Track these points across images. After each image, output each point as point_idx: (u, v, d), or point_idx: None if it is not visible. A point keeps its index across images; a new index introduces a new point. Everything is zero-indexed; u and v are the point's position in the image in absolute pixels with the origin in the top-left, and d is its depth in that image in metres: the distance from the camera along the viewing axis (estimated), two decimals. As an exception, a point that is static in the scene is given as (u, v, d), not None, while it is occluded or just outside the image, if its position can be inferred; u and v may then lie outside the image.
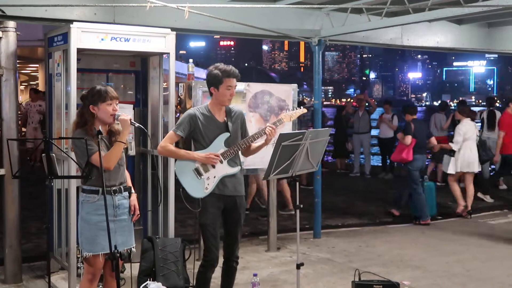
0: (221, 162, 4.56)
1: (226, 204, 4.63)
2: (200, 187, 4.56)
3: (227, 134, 4.60)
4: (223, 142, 4.59)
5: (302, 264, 4.86)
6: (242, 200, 4.73)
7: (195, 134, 4.61)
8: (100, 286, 4.76)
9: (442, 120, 13.17)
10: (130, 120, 4.25)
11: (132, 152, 4.71)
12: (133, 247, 4.44)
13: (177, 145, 4.78)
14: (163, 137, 5.82)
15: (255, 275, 5.36)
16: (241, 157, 4.79)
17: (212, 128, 4.59)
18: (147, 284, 4.92)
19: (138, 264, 5.51)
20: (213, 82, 4.58)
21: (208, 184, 4.56)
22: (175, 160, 4.71)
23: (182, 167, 4.60)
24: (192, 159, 4.56)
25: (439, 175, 12.82)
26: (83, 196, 4.31)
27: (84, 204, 4.30)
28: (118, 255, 3.97)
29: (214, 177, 4.56)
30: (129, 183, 4.49)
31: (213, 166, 4.55)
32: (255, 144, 4.73)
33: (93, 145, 4.12)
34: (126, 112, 5.89)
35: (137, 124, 4.34)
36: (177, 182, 4.71)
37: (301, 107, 4.96)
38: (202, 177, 4.55)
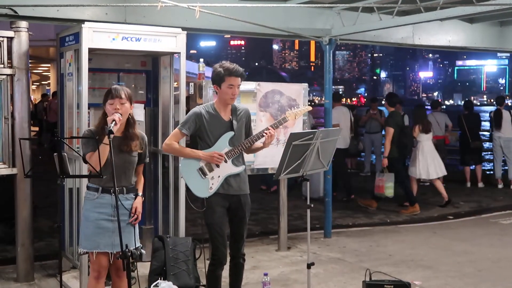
0: (225, 161, 4.55)
1: (231, 203, 4.63)
2: (204, 187, 4.56)
3: (231, 133, 4.59)
4: (228, 141, 4.58)
5: (312, 264, 4.86)
6: (247, 198, 4.73)
7: (200, 132, 4.60)
8: (110, 285, 4.78)
9: (446, 119, 13.05)
10: (113, 120, 4.12)
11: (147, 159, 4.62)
12: (136, 248, 4.38)
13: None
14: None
15: (265, 274, 5.37)
16: (250, 156, 4.79)
17: (217, 127, 4.59)
18: (158, 283, 4.94)
19: (149, 263, 5.54)
20: (216, 80, 4.58)
21: (212, 184, 4.55)
22: (180, 159, 4.70)
23: (187, 166, 4.60)
24: (196, 157, 4.55)
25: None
26: (86, 192, 4.39)
27: (85, 201, 4.38)
28: (129, 254, 3.99)
29: (219, 176, 4.56)
30: (138, 186, 4.47)
31: (217, 166, 4.54)
32: (257, 144, 4.71)
33: (91, 144, 4.14)
34: (137, 112, 5.96)
35: (109, 128, 4.07)
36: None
37: (306, 104, 4.94)
38: (206, 176, 4.55)
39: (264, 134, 4.54)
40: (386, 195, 9.58)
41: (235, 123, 4.62)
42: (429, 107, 14.24)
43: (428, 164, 10.05)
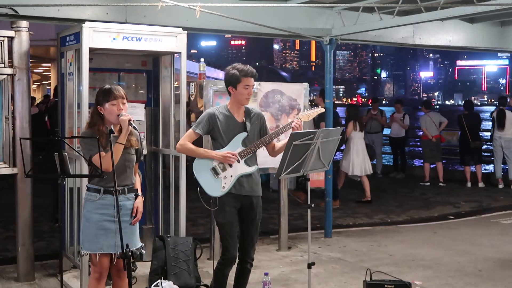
0: (238, 161, 4.57)
1: (242, 204, 4.64)
2: (217, 186, 4.57)
3: (244, 134, 4.61)
4: (241, 142, 4.60)
5: (313, 264, 4.85)
6: (259, 200, 4.73)
7: (213, 133, 4.63)
8: (111, 285, 4.78)
9: (440, 117, 13.04)
10: (129, 121, 4.19)
11: (144, 151, 4.66)
12: (138, 248, 4.39)
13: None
14: (174, 136, 5.87)
15: (266, 274, 5.37)
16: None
17: (231, 128, 4.61)
18: (158, 282, 4.94)
19: (149, 262, 5.54)
20: (231, 81, 4.60)
21: (225, 183, 4.57)
22: (192, 159, 4.70)
23: (200, 165, 4.61)
24: (210, 157, 4.57)
25: (440, 175, 12.76)
26: (86, 194, 4.35)
27: (86, 202, 4.34)
28: (130, 254, 3.99)
29: (231, 176, 4.57)
30: (137, 185, 4.46)
31: (230, 165, 4.56)
32: (278, 143, 4.74)
33: (96, 146, 4.11)
34: (137, 112, 5.97)
35: (133, 125, 4.23)
36: (194, 181, 4.70)
37: (319, 106, 4.97)
38: (219, 176, 4.56)
39: (292, 126, 4.58)
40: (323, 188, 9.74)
41: (248, 125, 4.64)
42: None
43: (355, 161, 10.35)
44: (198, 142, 4.83)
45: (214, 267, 4.73)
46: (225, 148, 4.58)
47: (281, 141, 4.76)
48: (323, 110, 5.00)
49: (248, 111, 4.72)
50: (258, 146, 4.61)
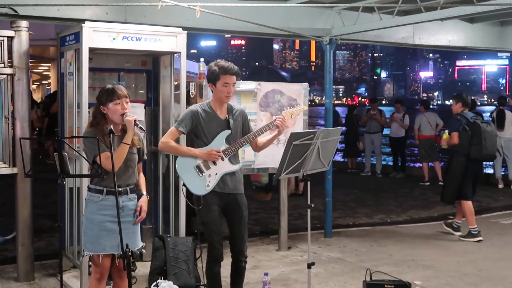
0: (222, 159, 4.55)
1: (226, 202, 4.63)
2: (201, 184, 4.55)
3: (228, 131, 4.59)
4: (224, 140, 4.58)
5: (313, 264, 4.86)
6: (243, 197, 4.73)
7: (196, 130, 4.60)
8: (111, 285, 4.77)
9: (437, 118, 13.04)
10: (135, 121, 4.17)
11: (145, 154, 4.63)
12: (139, 248, 4.38)
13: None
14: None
15: (266, 274, 5.36)
16: (251, 156, 4.79)
17: (214, 125, 4.59)
18: (158, 282, 4.94)
19: (149, 262, 5.54)
20: (211, 78, 4.58)
21: (209, 182, 4.55)
22: (175, 157, 4.68)
23: (184, 164, 4.58)
24: (193, 155, 4.54)
25: (439, 174, 12.75)
26: (88, 195, 4.31)
27: (88, 203, 4.31)
28: (130, 254, 3.99)
29: (216, 174, 4.55)
30: (141, 184, 4.45)
31: (214, 164, 4.54)
32: (263, 139, 4.72)
33: (100, 146, 4.08)
34: (137, 112, 5.97)
35: (139, 125, 4.21)
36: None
37: (301, 104, 4.99)
38: (203, 174, 4.54)
39: (276, 123, 4.54)
40: (262, 182, 9.68)
41: (231, 122, 4.62)
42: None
43: None
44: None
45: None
46: (209, 146, 4.56)
47: (264, 136, 4.73)
48: (306, 108, 5.04)
49: (231, 107, 4.69)
50: (242, 144, 4.60)
